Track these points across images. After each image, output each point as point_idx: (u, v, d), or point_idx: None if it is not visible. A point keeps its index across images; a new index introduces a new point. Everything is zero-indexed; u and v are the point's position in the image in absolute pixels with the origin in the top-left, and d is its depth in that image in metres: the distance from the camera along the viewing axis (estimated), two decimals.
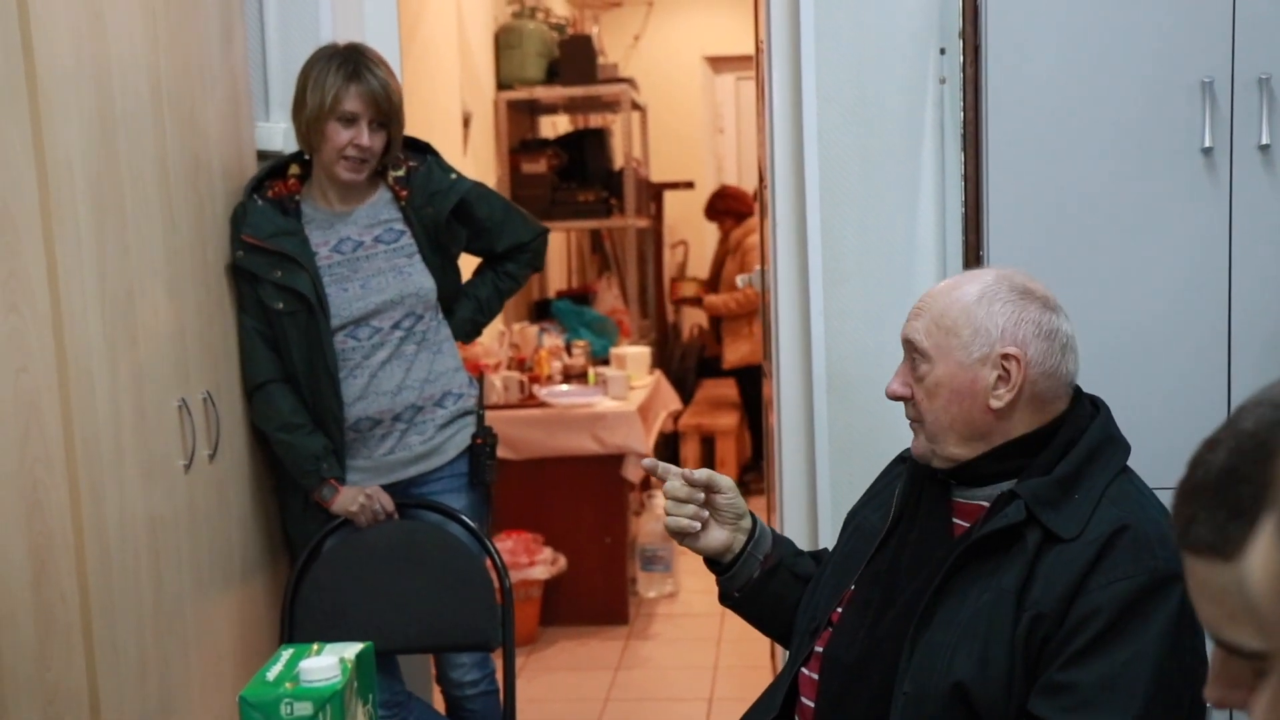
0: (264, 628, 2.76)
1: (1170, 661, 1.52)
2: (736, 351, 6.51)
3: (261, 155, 2.90)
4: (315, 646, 1.50)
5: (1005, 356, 1.65)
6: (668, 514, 1.85)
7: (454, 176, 2.83)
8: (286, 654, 1.48)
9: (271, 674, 1.43)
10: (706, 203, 7.05)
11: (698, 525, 1.85)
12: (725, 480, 1.86)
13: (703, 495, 1.84)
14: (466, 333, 2.94)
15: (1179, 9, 2.55)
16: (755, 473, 6.67)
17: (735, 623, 2.07)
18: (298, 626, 2.61)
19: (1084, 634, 1.52)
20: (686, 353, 7.73)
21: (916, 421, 1.73)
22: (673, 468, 1.85)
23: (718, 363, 7.15)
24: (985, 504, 1.68)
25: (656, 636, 4.71)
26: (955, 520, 1.72)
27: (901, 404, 1.76)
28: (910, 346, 1.72)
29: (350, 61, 2.67)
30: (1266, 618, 0.78)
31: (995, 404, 1.66)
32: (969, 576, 1.62)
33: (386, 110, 2.68)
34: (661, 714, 4.03)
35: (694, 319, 8.12)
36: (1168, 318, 2.61)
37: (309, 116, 2.67)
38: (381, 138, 2.70)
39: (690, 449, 6.51)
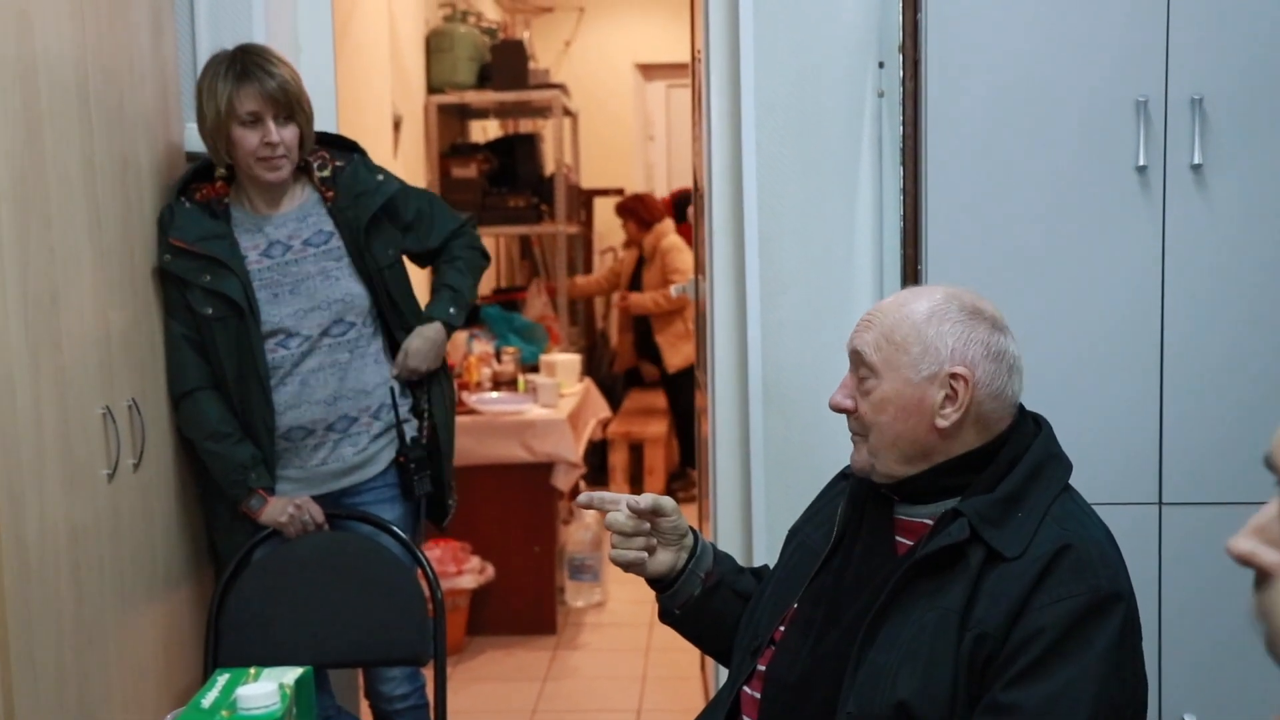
0: (188, 641, 2.69)
1: (1112, 681, 1.52)
2: (679, 353, 6.36)
3: (190, 156, 2.83)
4: (253, 671, 1.44)
5: (953, 376, 1.64)
6: (614, 547, 1.79)
7: (381, 177, 2.77)
8: (223, 679, 1.43)
9: (207, 700, 1.37)
10: (619, 202, 6.99)
11: (645, 555, 1.80)
12: (668, 502, 1.79)
13: (648, 525, 1.79)
14: (452, 314, 2.84)
15: (1116, 29, 2.58)
16: (683, 480, 6.65)
17: (664, 633, 2.03)
18: (224, 640, 2.54)
19: (1027, 654, 1.52)
20: (615, 360, 7.68)
21: (859, 435, 1.72)
22: (610, 496, 1.79)
23: (641, 375, 7.08)
24: (929, 521, 1.67)
25: (585, 646, 4.67)
26: (899, 538, 1.71)
27: (843, 415, 1.75)
28: (858, 359, 1.70)
29: (238, 63, 2.60)
30: None
31: (941, 423, 1.65)
32: (913, 595, 1.61)
33: (285, 102, 2.61)
34: None
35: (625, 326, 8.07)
36: (1102, 332, 2.63)
37: (211, 128, 2.61)
38: (292, 130, 2.63)
39: (619, 457, 6.48)
